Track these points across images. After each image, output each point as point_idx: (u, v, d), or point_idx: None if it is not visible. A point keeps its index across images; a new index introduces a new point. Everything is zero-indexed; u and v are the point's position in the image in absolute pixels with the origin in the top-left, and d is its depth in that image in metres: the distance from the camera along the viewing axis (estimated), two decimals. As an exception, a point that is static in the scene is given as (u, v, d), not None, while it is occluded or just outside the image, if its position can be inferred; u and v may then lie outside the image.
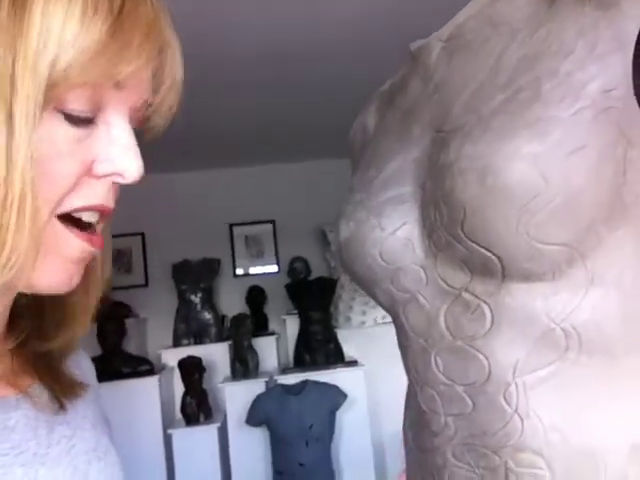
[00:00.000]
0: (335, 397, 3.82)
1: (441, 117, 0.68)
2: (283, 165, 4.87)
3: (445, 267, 0.65)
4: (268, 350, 4.55)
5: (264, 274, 4.97)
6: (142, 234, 4.89)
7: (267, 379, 4.18)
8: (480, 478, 0.64)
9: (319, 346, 4.17)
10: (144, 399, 4.03)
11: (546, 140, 0.55)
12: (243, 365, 4.21)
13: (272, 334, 4.67)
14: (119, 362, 4.10)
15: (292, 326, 4.51)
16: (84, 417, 0.59)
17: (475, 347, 0.63)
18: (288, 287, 4.46)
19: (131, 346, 4.36)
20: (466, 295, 0.64)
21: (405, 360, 0.73)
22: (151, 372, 4.11)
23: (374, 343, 4.14)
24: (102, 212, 0.51)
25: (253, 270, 4.99)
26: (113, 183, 0.50)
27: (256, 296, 4.78)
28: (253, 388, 4.01)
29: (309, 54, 2.91)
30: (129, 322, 4.40)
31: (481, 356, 0.63)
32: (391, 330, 0.78)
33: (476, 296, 0.63)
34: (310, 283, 4.43)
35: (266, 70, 3.04)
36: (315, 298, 4.27)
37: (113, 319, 4.21)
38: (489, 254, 0.59)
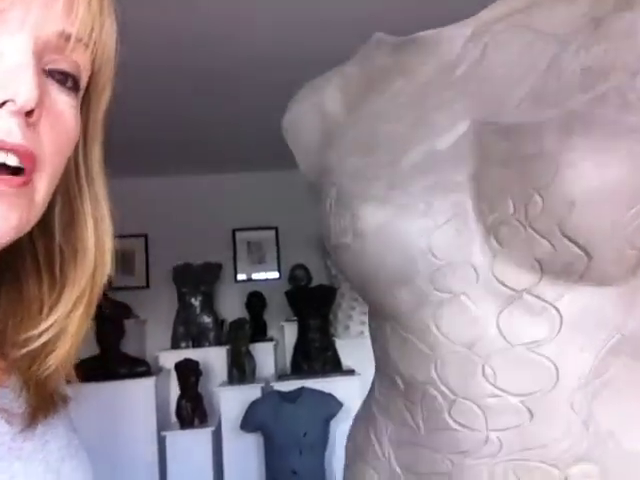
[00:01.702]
0: (331, 406, 3.81)
1: (489, 109, 0.65)
2: (288, 172, 4.86)
3: (506, 266, 0.60)
4: (266, 356, 4.54)
5: (265, 280, 4.98)
6: (145, 236, 4.91)
7: (263, 385, 4.18)
8: None
9: (317, 354, 4.17)
10: (140, 400, 4.03)
11: None
12: (240, 370, 4.21)
13: (270, 340, 4.67)
14: (116, 362, 4.11)
15: (291, 333, 4.50)
16: (56, 417, 0.57)
17: (540, 353, 0.59)
18: (288, 294, 4.46)
19: (130, 347, 4.36)
20: (528, 297, 0.60)
21: (422, 372, 0.65)
22: (148, 373, 4.11)
23: (372, 353, 4.13)
24: (9, 150, 0.44)
25: (254, 276, 5.00)
26: (12, 114, 0.44)
27: (256, 302, 4.78)
28: (249, 393, 4.01)
29: (315, 58, 2.92)
30: (129, 323, 4.41)
31: (548, 363, 0.59)
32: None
33: (542, 299, 0.59)
34: (310, 290, 4.44)
35: (268, 75, 3.05)
36: (315, 306, 4.27)
37: (112, 319, 4.21)
38: (581, 253, 0.57)
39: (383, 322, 0.70)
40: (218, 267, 4.75)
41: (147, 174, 4.77)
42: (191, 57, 2.79)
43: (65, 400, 0.58)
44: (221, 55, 2.78)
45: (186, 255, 4.63)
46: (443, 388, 0.63)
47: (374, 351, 0.76)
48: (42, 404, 0.53)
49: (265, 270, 5.02)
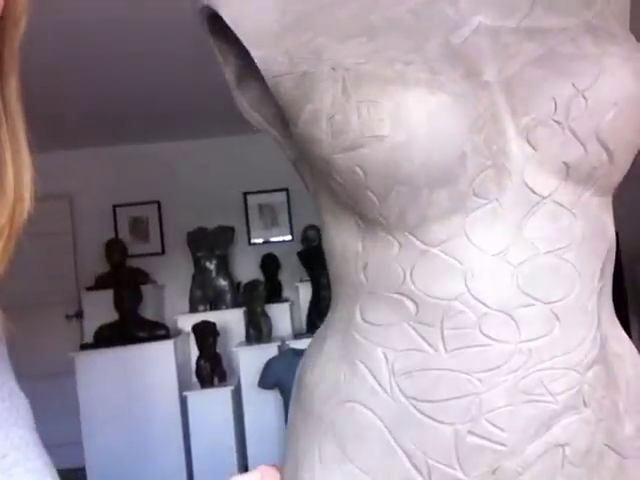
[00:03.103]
0: (346, 361, 3.88)
1: (497, 11, 0.64)
2: (296, 134, 4.89)
3: (535, 171, 0.59)
4: (282, 316, 4.65)
5: (278, 242, 5.05)
6: (158, 202, 4.97)
7: (280, 344, 4.28)
8: (556, 403, 0.60)
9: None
10: (160, 363, 4.15)
11: None
12: (256, 330, 4.31)
13: (286, 301, 4.76)
14: (135, 327, 4.21)
15: (305, 293, 4.58)
16: None
17: (566, 259, 0.60)
18: (301, 254, 4.52)
19: (149, 312, 4.47)
20: (551, 204, 0.60)
21: (448, 287, 0.60)
22: (167, 337, 4.22)
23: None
24: None
25: (267, 238, 5.06)
26: None
27: (270, 264, 4.86)
28: (266, 352, 4.10)
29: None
30: (147, 289, 4.51)
31: (572, 268, 0.60)
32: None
33: (562, 205, 0.60)
34: (323, 250, 4.49)
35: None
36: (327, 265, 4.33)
37: (129, 285, 4.31)
38: (606, 158, 0.59)
39: (388, 237, 0.62)
40: (231, 230, 4.81)
41: (156, 140, 4.81)
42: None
43: None
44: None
45: (199, 220, 4.70)
46: (473, 302, 0.59)
47: (356, 274, 0.67)
48: None
49: (278, 232, 5.08)
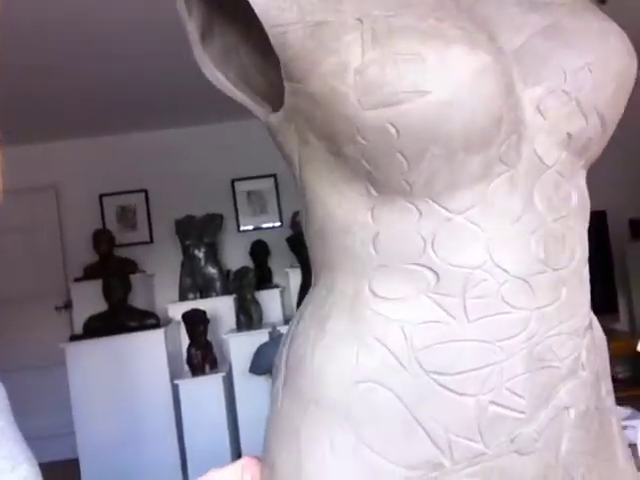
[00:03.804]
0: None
1: None
2: (283, 119, 4.86)
3: (543, 139, 0.60)
4: (272, 302, 4.64)
5: (267, 228, 5.04)
6: (145, 191, 4.94)
7: (270, 330, 4.28)
8: (562, 368, 0.62)
9: (320, 297, 4.25)
10: (151, 352, 4.14)
11: None
12: (247, 317, 4.31)
13: (276, 287, 4.75)
14: (125, 317, 4.20)
15: (295, 278, 4.57)
16: None
17: (570, 226, 0.62)
18: (290, 240, 4.52)
19: (139, 301, 4.45)
20: (554, 174, 0.61)
21: (471, 255, 0.59)
22: (157, 325, 4.21)
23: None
24: None
25: (256, 225, 5.05)
26: None
27: (259, 251, 4.85)
28: (257, 338, 4.10)
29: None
30: (136, 278, 4.48)
31: (573, 236, 0.62)
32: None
33: (562, 175, 0.61)
34: (309, 230, 4.48)
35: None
36: (316, 251, 4.33)
37: (118, 275, 4.29)
38: (601, 129, 0.61)
39: (408, 204, 0.59)
40: (220, 218, 4.79)
41: (142, 129, 4.77)
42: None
43: None
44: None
45: (187, 208, 4.68)
46: (496, 270, 0.59)
47: (362, 247, 0.62)
48: None
49: (267, 219, 5.06)
